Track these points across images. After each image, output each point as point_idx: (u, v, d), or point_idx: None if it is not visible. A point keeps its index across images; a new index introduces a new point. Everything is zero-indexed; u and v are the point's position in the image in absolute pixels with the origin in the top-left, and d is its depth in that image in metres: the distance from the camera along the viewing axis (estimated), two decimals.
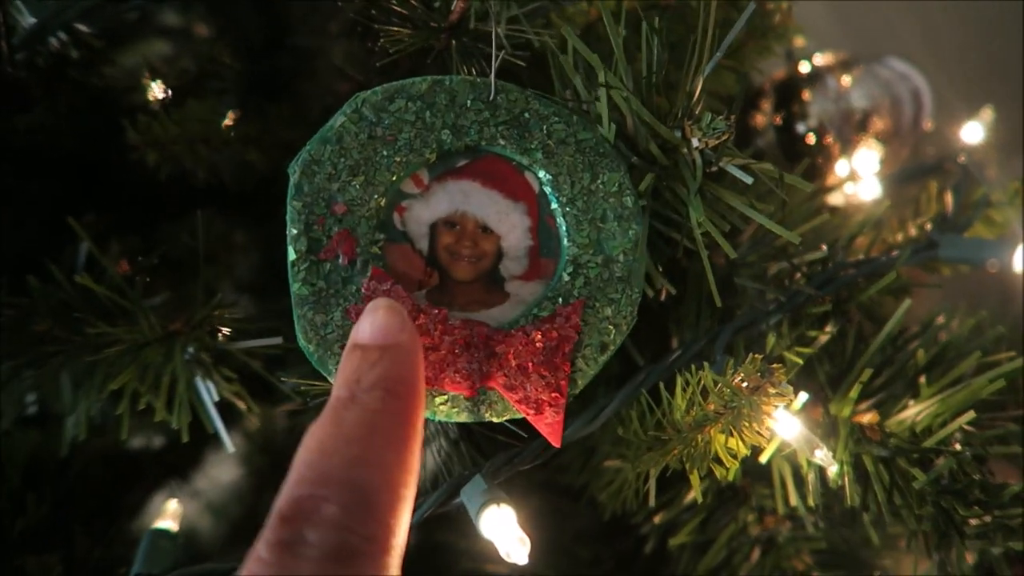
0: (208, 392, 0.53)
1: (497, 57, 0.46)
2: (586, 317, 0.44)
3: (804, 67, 0.80)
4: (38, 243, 0.60)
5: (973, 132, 0.85)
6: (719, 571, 0.59)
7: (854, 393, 0.49)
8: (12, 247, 0.57)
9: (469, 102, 0.45)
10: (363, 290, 0.42)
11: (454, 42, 0.54)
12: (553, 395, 0.43)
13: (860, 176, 0.76)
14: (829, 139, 0.76)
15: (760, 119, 0.79)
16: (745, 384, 0.42)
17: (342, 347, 0.41)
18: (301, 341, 0.42)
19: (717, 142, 0.46)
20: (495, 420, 0.44)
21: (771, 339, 0.55)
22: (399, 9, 0.52)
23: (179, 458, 0.81)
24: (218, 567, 0.46)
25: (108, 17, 0.52)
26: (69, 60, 0.54)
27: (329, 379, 0.42)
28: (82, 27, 0.54)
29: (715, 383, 0.44)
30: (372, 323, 0.36)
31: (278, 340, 0.51)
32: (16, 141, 0.57)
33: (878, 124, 0.76)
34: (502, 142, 0.45)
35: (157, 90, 0.64)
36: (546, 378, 0.43)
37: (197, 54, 0.67)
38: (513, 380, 0.43)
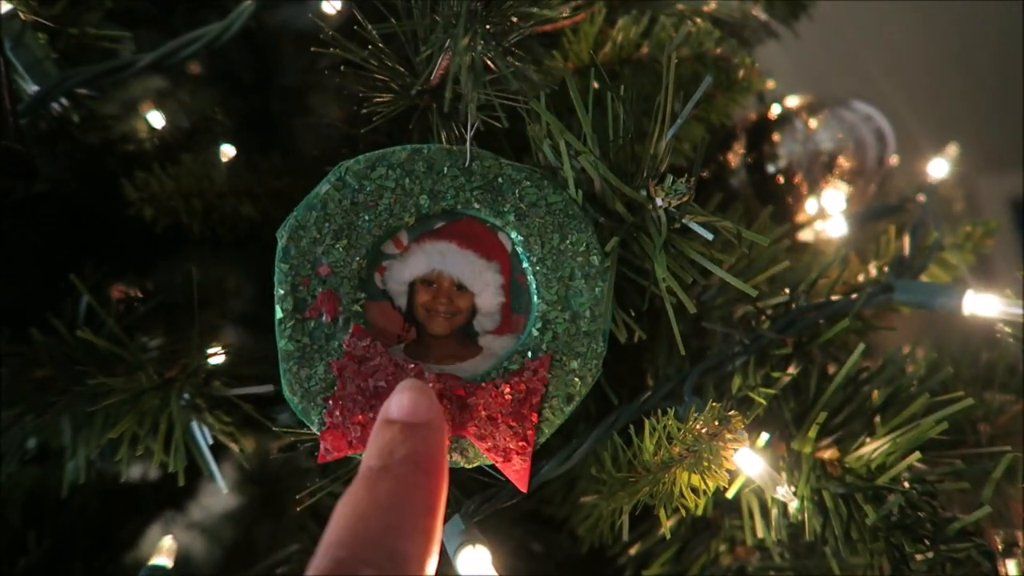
0: (203, 435, 0.56)
1: (472, 127, 0.49)
2: (553, 370, 0.48)
3: (775, 110, 0.83)
4: (39, 293, 0.62)
5: (938, 168, 0.89)
6: None
7: (813, 432, 0.53)
8: (14, 297, 0.60)
9: (446, 169, 0.48)
10: (345, 346, 0.45)
11: (435, 104, 0.57)
12: (520, 444, 0.46)
13: (828, 214, 0.79)
14: (798, 179, 0.79)
15: (733, 159, 0.82)
16: (705, 430, 0.45)
17: (325, 398, 0.45)
18: (286, 393, 0.45)
19: (679, 201, 0.49)
20: (466, 466, 0.47)
21: (737, 380, 0.59)
22: (382, 77, 0.55)
23: (175, 489, 0.84)
24: None
25: (109, 83, 0.55)
26: (69, 122, 0.57)
27: (312, 428, 0.45)
28: (83, 91, 0.57)
29: (679, 428, 0.47)
30: (404, 401, 0.38)
31: (269, 388, 0.54)
32: (17, 196, 0.60)
33: (843, 164, 0.79)
34: (477, 205, 0.48)
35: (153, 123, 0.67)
36: (514, 428, 0.46)
37: (190, 109, 0.70)
38: (483, 430, 0.46)
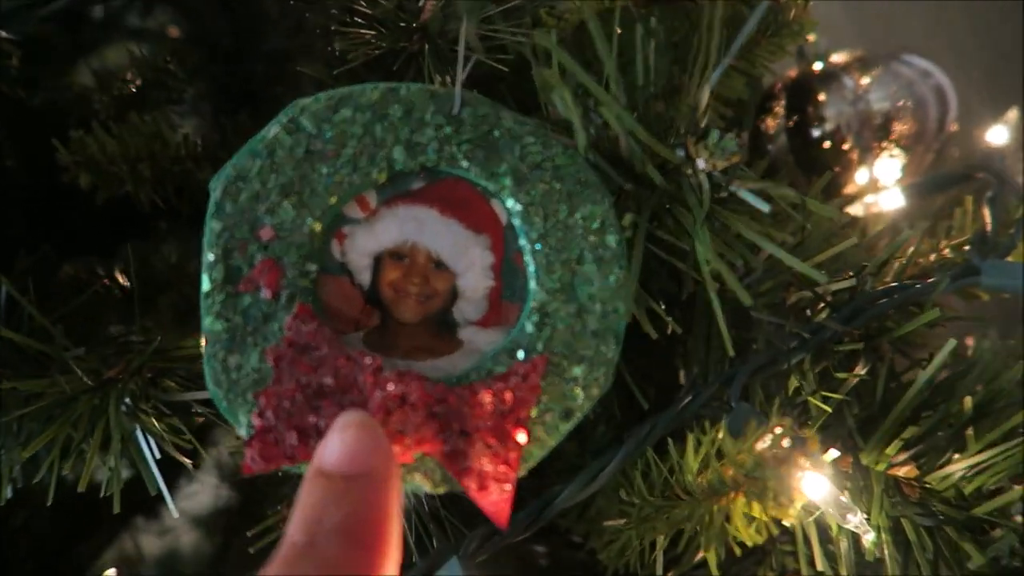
0: (149, 447, 0.47)
1: (467, 63, 0.39)
2: (549, 376, 0.38)
3: (818, 66, 0.73)
4: None
5: (998, 135, 0.78)
6: None
7: (893, 448, 0.43)
8: None
9: (428, 115, 0.38)
10: (285, 329, 0.36)
11: (427, 45, 0.48)
12: (501, 468, 0.36)
13: (882, 185, 0.69)
14: (847, 145, 0.69)
15: (771, 124, 0.72)
16: (771, 452, 0.35)
17: (256, 395, 0.35)
18: (209, 384, 0.36)
19: (727, 163, 0.39)
20: (430, 491, 0.37)
21: (793, 381, 0.49)
22: (365, 9, 0.45)
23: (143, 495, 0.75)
24: None
25: (26, 21, 0.45)
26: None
27: (239, 431, 0.36)
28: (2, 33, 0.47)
29: (734, 448, 0.37)
30: (339, 444, 0.30)
31: None
32: None
33: (901, 128, 0.69)
34: (465, 163, 0.39)
35: None
36: (493, 447, 0.36)
37: (143, 60, 0.60)
38: (454, 447, 0.36)
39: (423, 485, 0.37)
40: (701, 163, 0.39)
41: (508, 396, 0.36)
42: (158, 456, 0.47)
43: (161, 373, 0.48)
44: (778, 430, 0.36)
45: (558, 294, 0.38)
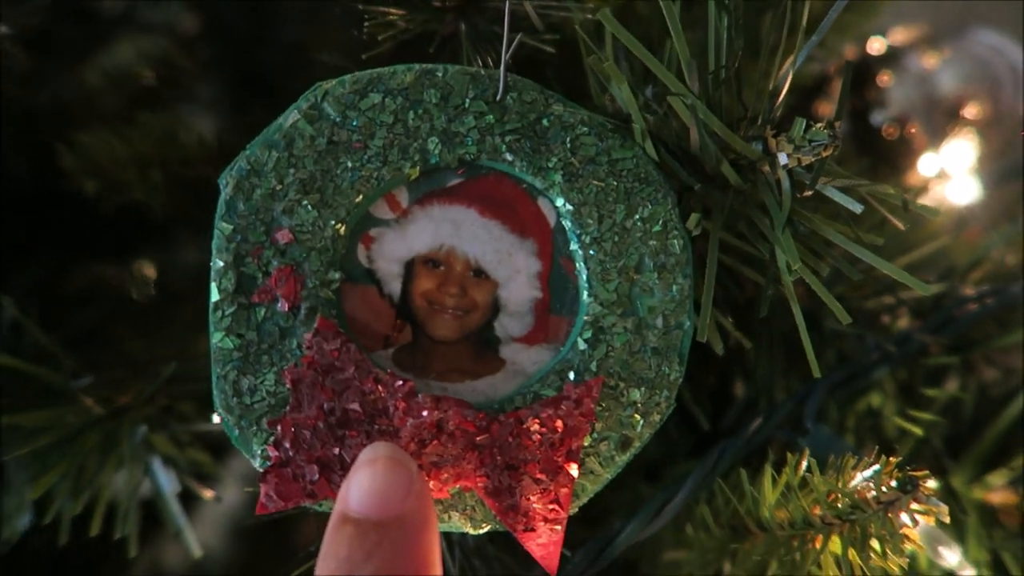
0: (167, 481, 0.43)
1: (511, 43, 0.34)
2: (604, 401, 0.33)
3: (877, 45, 0.67)
4: None
5: None
6: None
7: (998, 478, 0.38)
8: None
9: (468, 101, 0.34)
10: (305, 347, 0.32)
11: (463, 26, 0.43)
12: (550, 506, 0.32)
13: (951, 175, 0.63)
14: (913, 131, 0.63)
15: (827, 109, 0.67)
16: (874, 495, 0.30)
17: (272, 422, 0.32)
18: (219, 409, 0.32)
19: (816, 159, 0.34)
20: (471, 532, 0.33)
21: (876, 398, 0.44)
22: None
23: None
24: None
25: (28, 14, 0.41)
26: None
27: (252, 462, 0.32)
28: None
29: (825, 486, 0.32)
30: (368, 483, 0.27)
31: None
32: None
33: (973, 111, 0.63)
34: (509, 157, 0.34)
35: None
36: (542, 483, 0.32)
37: (154, 55, 0.56)
38: (498, 482, 0.32)
39: (461, 526, 0.33)
40: (784, 158, 0.34)
41: (558, 424, 0.32)
42: (178, 489, 0.43)
43: (178, 397, 0.45)
44: (878, 466, 0.31)
45: (614, 307, 0.34)
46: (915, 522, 0.30)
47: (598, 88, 0.39)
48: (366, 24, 0.39)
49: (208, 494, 0.44)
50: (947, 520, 0.30)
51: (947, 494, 0.43)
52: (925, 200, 0.66)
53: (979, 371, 0.45)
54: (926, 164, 0.64)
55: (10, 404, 0.40)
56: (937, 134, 0.64)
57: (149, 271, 0.50)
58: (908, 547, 0.31)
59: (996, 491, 0.42)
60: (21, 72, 0.50)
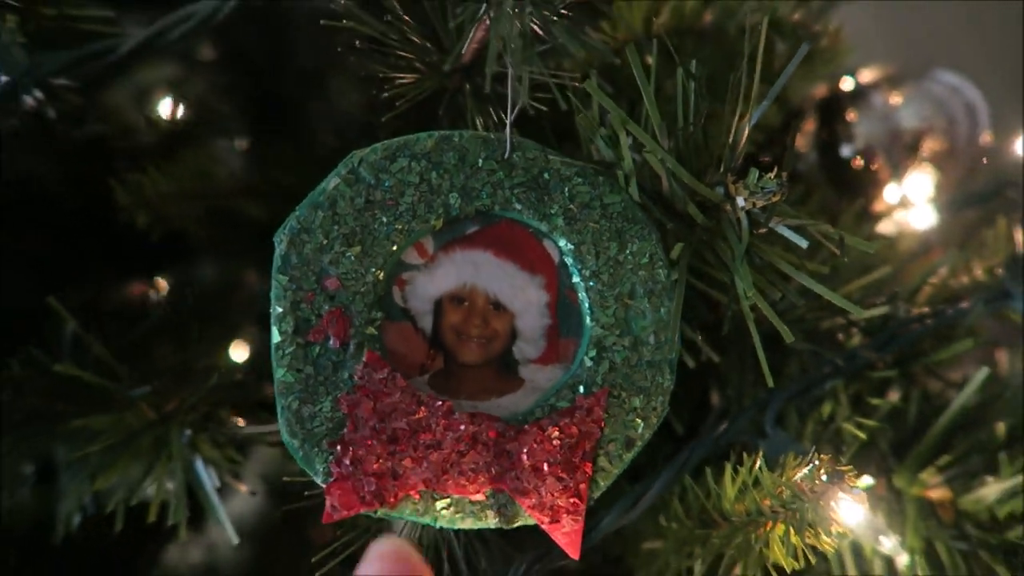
0: (209, 477, 0.49)
1: (513, 110, 0.40)
2: (610, 408, 0.39)
3: (847, 84, 0.73)
4: (27, 310, 0.55)
5: None
6: None
7: (929, 474, 0.44)
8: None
9: (481, 161, 0.40)
10: (356, 378, 0.37)
11: (467, 85, 0.49)
12: (571, 501, 0.38)
13: (912, 202, 0.70)
14: (877, 163, 0.70)
15: (800, 141, 0.73)
16: (809, 487, 0.37)
17: (332, 443, 0.37)
18: (285, 436, 0.38)
19: (766, 202, 0.40)
20: (505, 527, 0.39)
21: (827, 407, 0.50)
22: (407, 54, 0.47)
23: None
24: None
25: (89, 70, 0.47)
26: (46, 118, 0.50)
27: (316, 479, 0.38)
28: (61, 81, 0.49)
29: (771, 481, 0.38)
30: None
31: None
32: None
33: (932, 145, 0.69)
34: (518, 206, 0.40)
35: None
36: (564, 481, 0.38)
37: (193, 98, 0.62)
38: (526, 483, 0.38)
39: (497, 523, 0.38)
40: (741, 202, 0.40)
41: (574, 430, 0.38)
42: (218, 485, 0.49)
43: (217, 404, 0.51)
44: (814, 463, 0.37)
45: (613, 328, 0.40)
46: (839, 507, 0.36)
47: (587, 138, 0.45)
48: (385, 92, 0.45)
49: (243, 489, 0.50)
50: (865, 505, 0.36)
51: (891, 492, 0.49)
52: (887, 225, 0.72)
53: (921, 382, 0.51)
54: (889, 193, 0.71)
55: (75, 410, 0.46)
56: (899, 166, 0.70)
57: (182, 290, 0.56)
58: (836, 529, 0.37)
59: (934, 488, 0.48)
60: (71, 111, 0.56)
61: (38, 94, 0.48)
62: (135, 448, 0.46)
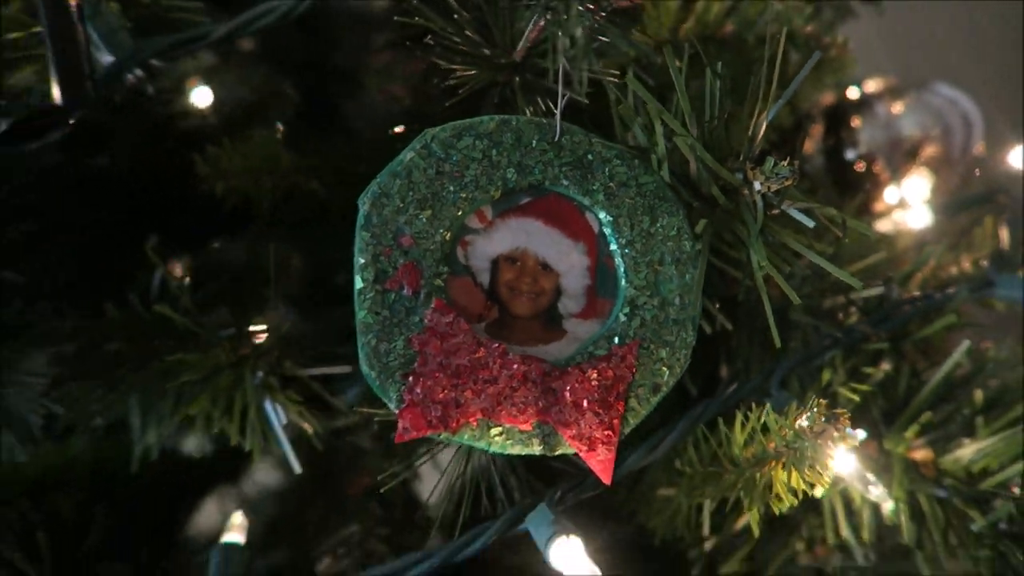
0: (276, 415, 0.55)
1: (563, 98, 0.47)
2: (641, 358, 0.45)
3: (852, 93, 0.80)
4: (105, 268, 0.62)
5: (1020, 157, 0.84)
6: None
7: (913, 432, 0.50)
8: (81, 272, 0.60)
9: (534, 142, 0.46)
10: (427, 321, 0.44)
11: (517, 78, 0.55)
12: (606, 433, 0.44)
13: (909, 204, 0.76)
14: (878, 166, 0.76)
15: (808, 145, 0.79)
16: (810, 427, 0.43)
17: (403, 375, 0.43)
18: (364, 368, 0.43)
19: (780, 186, 0.46)
20: (548, 455, 0.45)
21: (826, 375, 0.56)
22: (467, 48, 0.53)
23: (226, 466, 0.83)
24: None
25: (182, 54, 0.54)
26: (143, 94, 0.56)
27: (389, 405, 0.43)
28: (157, 63, 0.56)
29: (777, 423, 0.45)
30: None
31: (347, 369, 0.53)
32: (86, 171, 0.59)
33: (929, 152, 0.76)
34: (565, 182, 0.46)
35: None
36: (600, 416, 0.44)
37: (255, 84, 0.69)
38: (568, 416, 0.44)
39: (540, 450, 0.44)
40: (757, 185, 0.46)
41: (609, 374, 0.44)
42: (284, 422, 0.55)
43: (282, 354, 0.57)
44: (815, 408, 0.43)
45: (644, 290, 0.46)
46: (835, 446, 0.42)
47: (622, 128, 0.52)
48: (450, 81, 0.51)
49: (308, 427, 0.56)
50: (858, 443, 0.42)
51: (881, 452, 0.55)
52: (886, 224, 0.79)
53: (910, 357, 0.57)
54: (889, 194, 0.77)
55: (167, 347, 0.52)
56: (898, 170, 0.76)
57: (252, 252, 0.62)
58: (830, 467, 0.43)
59: (918, 449, 0.54)
60: (163, 90, 0.63)
61: (139, 73, 0.54)
62: (215, 384, 0.53)
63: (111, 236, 0.61)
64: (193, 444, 0.78)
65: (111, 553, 0.65)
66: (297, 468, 0.55)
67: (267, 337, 0.55)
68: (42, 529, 0.58)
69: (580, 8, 0.41)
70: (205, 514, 0.83)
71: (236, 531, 0.55)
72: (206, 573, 0.51)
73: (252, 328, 0.55)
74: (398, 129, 0.62)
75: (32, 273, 0.56)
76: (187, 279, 0.58)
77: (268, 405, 0.55)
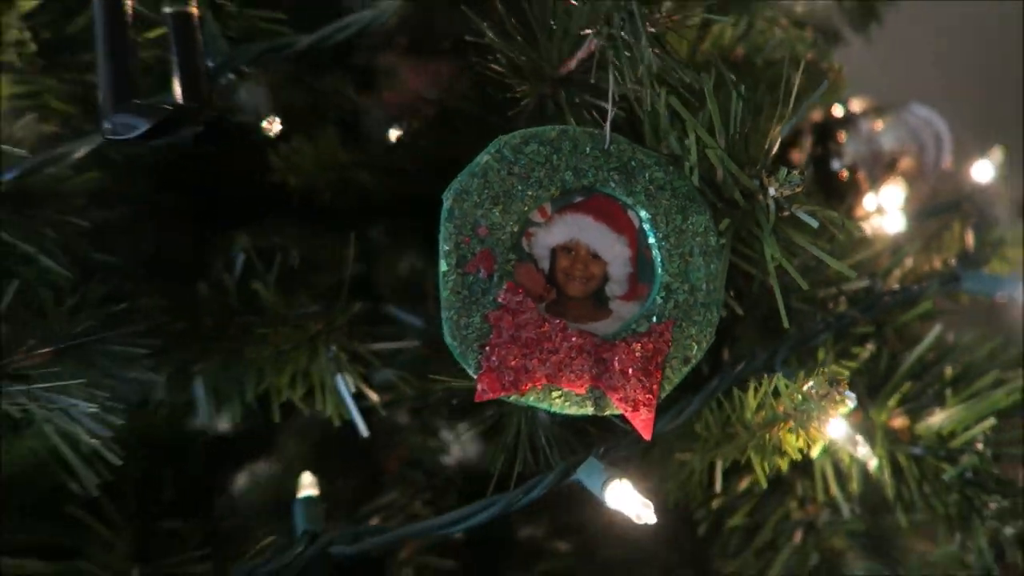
0: (345, 386, 0.62)
1: (611, 112, 0.55)
2: (674, 335, 0.54)
3: (838, 111, 0.89)
4: (186, 251, 0.69)
5: (983, 171, 0.95)
6: (766, 551, 0.69)
7: (894, 402, 0.59)
8: (169, 255, 0.66)
9: (588, 149, 0.54)
10: (501, 299, 0.51)
11: (563, 92, 0.63)
12: (647, 396, 0.53)
13: (886, 210, 0.86)
14: (860, 176, 0.86)
15: (798, 156, 0.89)
16: (815, 391, 0.52)
17: (480, 345, 0.51)
18: (448, 339, 0.51)
19: (791, 192, 0.55)
20: (599, 414, 0.53)
21: (820, 354, 0.65)
22: (521, 64, 0.61)
23: (257, 440, 0.89)
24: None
25: (270, 60, 0.61)
26: (231, 97, 0.63)
27: (469, 371, 0.51)
28: (247, 69, 0.62)
29: (787, 388, 0.54)
30: None
31: (416, 343, 0.60)
32: (175, 163, 0.66)
33: (905, 165, 0.85)
34: (612, 184, 0.54)
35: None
36: (643, 382, 0.53)
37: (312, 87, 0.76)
38: (616, 382, 0.52)
39: (592, 411, 0.52)
40: (772, 191, 0.55)
41: (650, 347, 0.53)
42: (352, 391, 0.62)
43: (351, 331, 0.64)
44: (819, 374, 0.53)
45: (677, 277, 0.54)
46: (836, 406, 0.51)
47: (653, 138, 0.60)
48: (508, 95, 0.59)
49: (374, 397, 0.64)
50: (855, 403, 0.51)
51: (866, 421, 0.65)
52: (864, 226, 0.89)
53: (891, 340, 0.67)
54: (868, 201, 0.87)
55: (257, 321, 0.59)
56: (877, 180, 0.86)
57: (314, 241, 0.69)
58: (830, 427, 0.52)
59: (896, 418, 0.64)
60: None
61: (232, 77, 0.61)
62: (296, 357, 0.60)
63: (194, 222, 0.68)
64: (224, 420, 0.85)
65: (178, 513, 0.71)
66: (365, 431, 0.62)
67: (338, 315, 0.62)
68: (128, 484, 0.64)
69: (646, 40, 0.49)
70: (249, 483, 0.89)
71: (309, 487, 0.62)
72: (291, 523, 0.58)
73: (332, 308, 0.62)
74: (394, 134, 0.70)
75: (126, 255, 0.63)
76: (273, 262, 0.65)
77: (339, 378, 0.62)
